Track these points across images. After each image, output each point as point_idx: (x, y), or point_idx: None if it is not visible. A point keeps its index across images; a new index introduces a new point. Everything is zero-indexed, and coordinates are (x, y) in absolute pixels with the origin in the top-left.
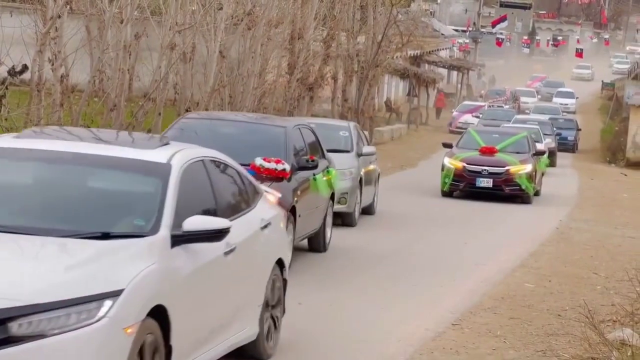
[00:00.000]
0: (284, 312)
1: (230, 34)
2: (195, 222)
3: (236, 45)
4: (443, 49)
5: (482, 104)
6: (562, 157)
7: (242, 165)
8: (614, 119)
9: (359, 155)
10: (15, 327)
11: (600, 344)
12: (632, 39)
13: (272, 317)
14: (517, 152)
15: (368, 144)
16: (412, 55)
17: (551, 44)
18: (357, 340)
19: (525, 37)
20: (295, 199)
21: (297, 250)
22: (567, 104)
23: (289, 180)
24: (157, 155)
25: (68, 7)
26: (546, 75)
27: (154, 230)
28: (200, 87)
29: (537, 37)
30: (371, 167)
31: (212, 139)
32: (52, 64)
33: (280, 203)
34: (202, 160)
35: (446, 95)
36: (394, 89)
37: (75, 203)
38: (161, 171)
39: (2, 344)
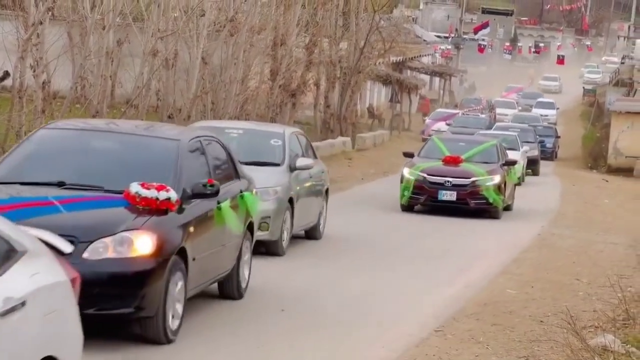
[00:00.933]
0: None
1: (213, 40)
2: None
3: (218, 51)
4: (425, 55)
5: (457, 111)
6: (543, 165)
7: (113, 192)
8: (595, 125)
9: (293, 169)
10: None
11: (582, 350)
12: (612, 45)
13: None
14: (485, 162)
15: (315, 156)
16: (394, 61)
17: (533, 51)
18: (341, 346)
19: (507, 44)
20: (186, 237)
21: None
22: (547, 115)
23: (179, 212)
24: None
25: (50, 13)
26: (523, 86)
27: None
28: (183, 94)
29: (519, 44)
30: (311, 182)
31: (75, 158)
32: (34, 71)
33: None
34: None
35: (431, 102)
36: (376, 95)
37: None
38: None
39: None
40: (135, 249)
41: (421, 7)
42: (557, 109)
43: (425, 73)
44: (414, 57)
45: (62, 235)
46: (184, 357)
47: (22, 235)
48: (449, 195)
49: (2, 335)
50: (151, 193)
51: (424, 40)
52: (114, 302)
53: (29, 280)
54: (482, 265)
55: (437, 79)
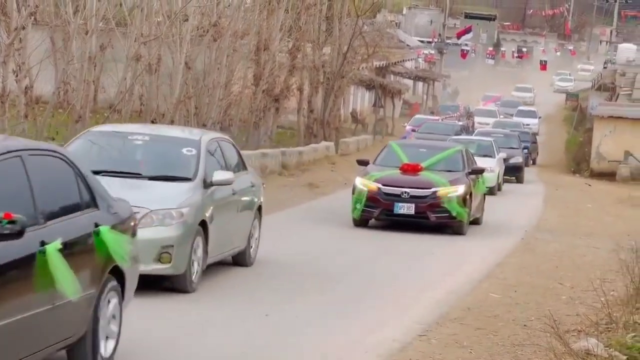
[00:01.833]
0: None
1: (196, 45)
2: None
3: (202, 56)
4: (408, 60)
5: (437, 118)
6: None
7: None
8: (578, 129)
9: (208, 184)
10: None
11: (566, 354)
12: (595, 50)
13: None
14: (449, 170)
15: (244, 167)
16: (377, 66)
17: (516, 56)
18: (325, 351)
19: (490, 49)
20: None
21: None
22: (528, 124)
23: None
24: None
25: (32, 18)
26: (501, 94)
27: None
28: (166, 99)
29: (502, 49)
30: (236, 199)
31: None
32: (17, 75)
33: None
34: None
35: (412, 106)
36: (359, 99)
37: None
38: None
39: None
40: None
41: (404, 11)
42: (539, 117)
43: (409, 78)
44: (397, 62)
45: None
46: None
47: None
48: (406, 208)
49: None
50: None
51: (407, 45)
52: None
53: None
54: (466, 270)
55: (420, 84)
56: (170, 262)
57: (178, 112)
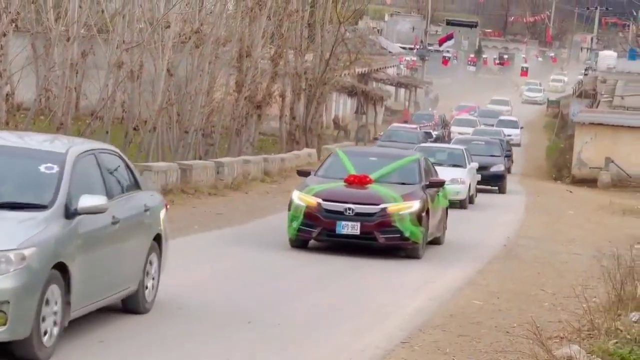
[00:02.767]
0: None
1: (178, 52)
2: None
3: (184, 63)
4: (391, 67)
5: (414, 126)
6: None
7: None
8: (559, 136)
9: (73, 213)
10: None
11: None
12: (576, 57)
13: None
14: (402, 183)
15: (137, 186)
16: (360, 72)
17: (497, 62)
18: (308, 358)
19: (472, 55)
20: None
21: None
22: (510, 135)
23: None
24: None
25: (13, 25)
26: (476, 104)
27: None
28: (148, 106)
29: (484, 55)
30: (117, 230)
31: None
32: None
33: None
34: None
35: (394, 112)
36: (342, 106)
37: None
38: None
39: None
40: None
41: (386, 18)
42: (521, 127)
43: (391, 84)
44: (380, 69)
45: None
46: None
47: None
48: (350, 228)
49: None
50: None
51: (389, 52)
52: None
53: None
54: (447, 277)
55: (402, 90)
56: (5, 324)
57: (160, 118)
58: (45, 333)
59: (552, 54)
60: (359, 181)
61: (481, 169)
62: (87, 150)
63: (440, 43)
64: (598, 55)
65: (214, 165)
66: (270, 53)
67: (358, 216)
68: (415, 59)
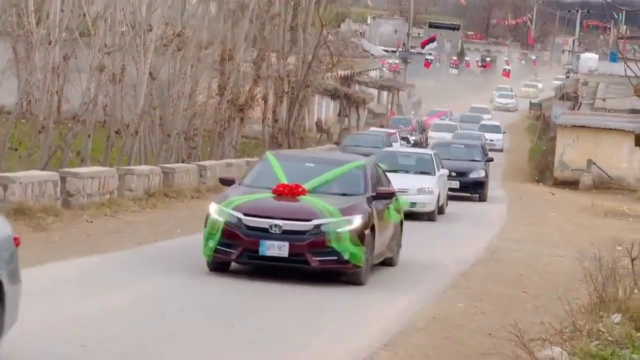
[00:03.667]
0: None
1: (160, 55)
2: None
3: (166, 66)
4: (373, 70)
5: (393, 131)
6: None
7: None
8: (541, 138)
9: None
10: None
11: None
12: (557, 60)
13: None
14: (343, 194)
15: None
16: (342, 75)
17: (480, 65)
18: None
19: (454, 58)
20: None
21: None
22: (492, 140)
23: None
24: None
25: None
26: (448, 109)
27: None
28: (131, 109)
29: (467, 58)
30: None
31: None
32: None
33: None
34: None
35: (377, 115)
36: (324, 109)
37: None
38: None
39: None
40: None
41: (369, 21)
42: (504, 132)
43: (373, 87)
44: (362, 71)
45: None
46: None
47: None
48: (277, 248)
49: None
50: None
51: (372, 55)
52: None
53: None
54: (431, 280)
55: (385, 93)
56: None
57: (143, 122)
58: None
59: (534, 57)
60: (289, 192)
61: (460, 174)
62: None
63: (423, 46)
64: (579, 57)
65: (197, 168)
66: (253, 56)
67: (286, 234)
68: (397, 61)
